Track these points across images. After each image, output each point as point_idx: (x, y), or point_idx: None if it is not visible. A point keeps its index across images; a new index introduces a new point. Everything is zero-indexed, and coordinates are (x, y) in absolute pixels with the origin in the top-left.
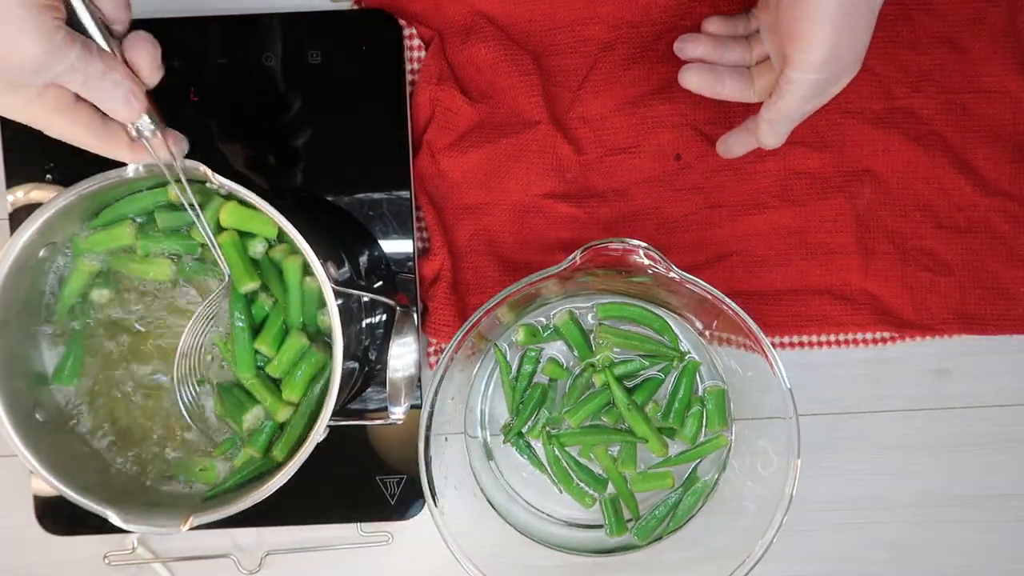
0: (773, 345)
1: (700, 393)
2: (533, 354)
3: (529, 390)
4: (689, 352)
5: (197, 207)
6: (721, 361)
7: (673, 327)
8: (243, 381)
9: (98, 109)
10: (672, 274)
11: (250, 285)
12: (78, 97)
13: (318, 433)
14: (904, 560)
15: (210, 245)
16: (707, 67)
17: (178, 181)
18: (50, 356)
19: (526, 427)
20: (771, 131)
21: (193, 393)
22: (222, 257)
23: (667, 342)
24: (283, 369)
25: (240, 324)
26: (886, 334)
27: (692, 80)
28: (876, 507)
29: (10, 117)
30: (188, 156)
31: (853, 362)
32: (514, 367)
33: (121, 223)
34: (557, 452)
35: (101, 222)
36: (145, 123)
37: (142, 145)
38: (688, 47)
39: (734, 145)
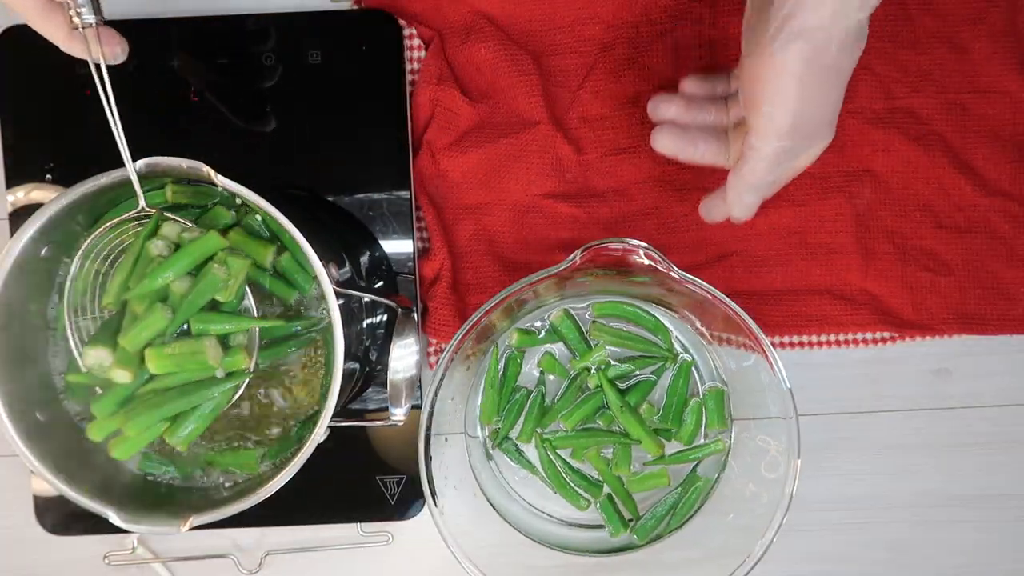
0: (773, 345)
1: (700, 395)
2: (518, 357)
3: (515, 394)
4: (681, 353)
5: (107, 81)
6: (721, 361)
7: (671, 328)
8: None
9: None
10: (673, 274)
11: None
12: None
13: (319, 434)
14: (904, 560)
15: (112, 124)
16: (679, 130)
17: (102, 79)
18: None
19: (514, 432)
20: (738, 201)
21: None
22: (133, 169)
23: (660, 342)
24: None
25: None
26: (886, 334)
27: (662, 144)
28: (876, 507)
29: None
30: (193, 156)
31: (853, 362)
32: (499, 368)
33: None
34: (550, 455)
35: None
36: (87, 11)
37: (80, 36)
38: (661, 108)
39: (712, 209)
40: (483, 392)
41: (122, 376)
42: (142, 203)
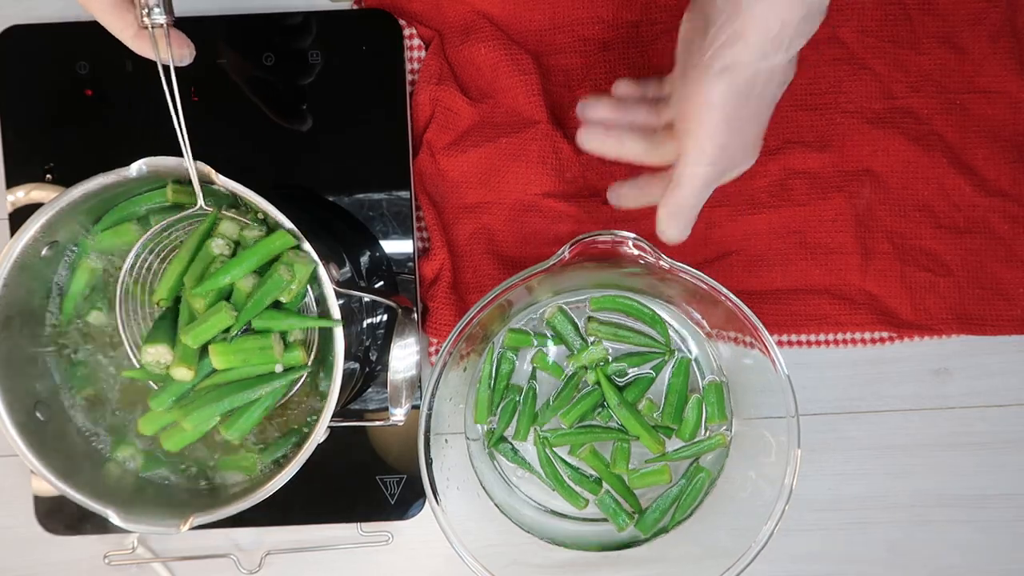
0: None
1: (700, 391)
2: (511, 355)
3: (507, 393)
4: (680, 348)
5: (173, 82)
6: (721, 356)
7: (669, 320)
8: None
9: None
10: (662, 263)
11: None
12: None
13: (319, 434)
14: (903, 560)
15: (179, 135)
16: (605, 128)
17: (169, 80)
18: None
19: (509, 431)
20: (672, 223)
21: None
22: (195, 173)
23: (658, 336)
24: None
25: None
26: (885, 334)
27: (590, 142)
28: (875, 507)
29: None
30: (193, 156)
31: (853, 362)
32: (492, 368)
33: (126, 223)
34: (548, 453)
35: (106, 224)
36: (159, 10)
37: (147, 35)
38: (589, 110)
39: (624, 196)
40: (476, 391)
41: (184, 373)
42: (200, 202)
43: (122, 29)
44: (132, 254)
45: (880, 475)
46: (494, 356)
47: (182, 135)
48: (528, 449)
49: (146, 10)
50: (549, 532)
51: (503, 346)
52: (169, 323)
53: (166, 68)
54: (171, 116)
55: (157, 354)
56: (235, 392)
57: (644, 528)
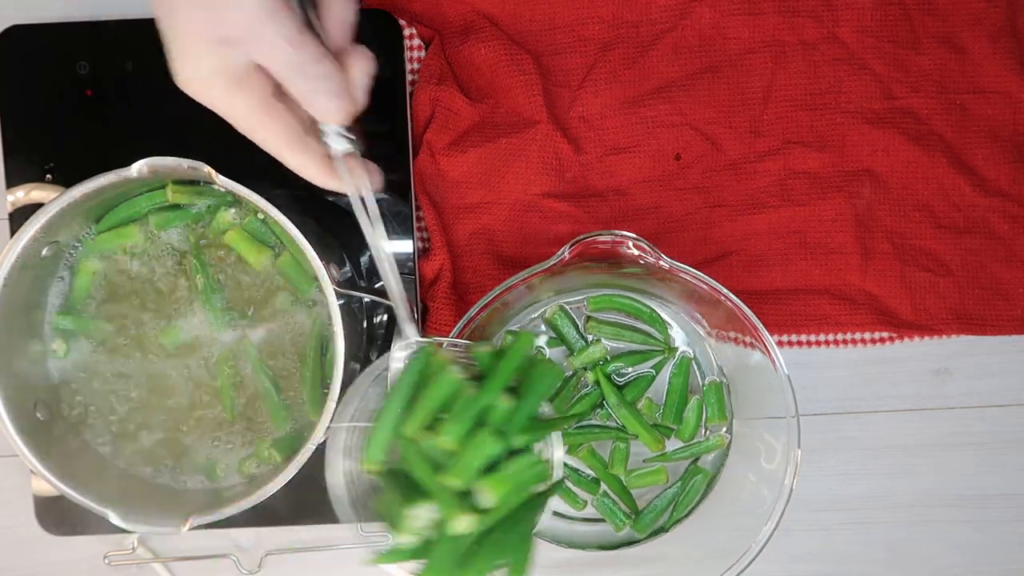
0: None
1: (701, 391)
2: None
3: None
4: (679, 348)
5: (378, 230)
6: (721, 356)
7: (669, 320)
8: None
9: (298, 117)
10: (662, 263)
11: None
12: (279, 93)
13: (319, 435)
14: (903, 560)
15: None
16: None
17: (367, 210)
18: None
19: None
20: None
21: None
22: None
23: (658, 334)
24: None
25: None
26: (885, 334)
27: None
28: (875, 507)
29: (209, 102)
30: (192, 156)
31: (853, 362)
32: None
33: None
34: None
35: (107, 225)
36: (344, 140)
37: (335, 167)
38: None
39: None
40: None
41: (466, 523)
42: (414, 336)
43: (308, 164)
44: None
45: (880, 475)
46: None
47: (391, 274)
48: None
49: (334, 146)
50: (548, 532)
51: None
52: (397, 478)
53: (362, 200)
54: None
55: (425, 514)
56: (513, 528)
57: (640, 528)
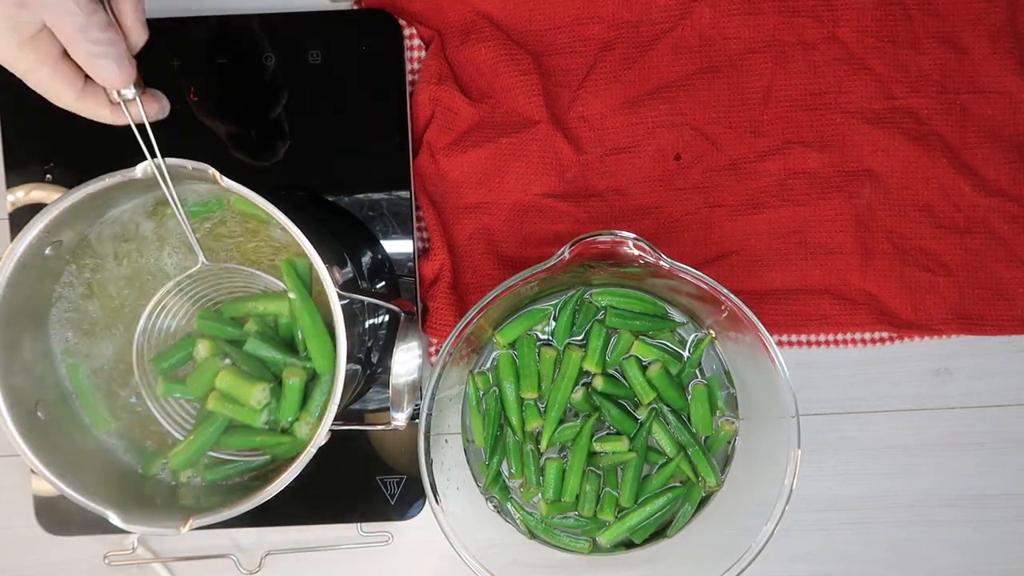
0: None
1: (692, 388)
2: (495, 390)
3: (498, 433)
4: (690, 332)
5: (170, 183)
6: (721, 356)
7: (672, 315)
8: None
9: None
10: (662, 263)
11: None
12: (64, 56)
13: (320, 437)
14: (903, 560)
15: (182, 223)
16: None
17: (150, 148)
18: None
19: (504, 471)
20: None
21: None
22: (195, 239)
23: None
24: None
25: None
26: (885, 334)
27: None
28: (876, 507)
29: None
30: (192, 156)
31: (853, 362)
32: (482, 405)
33: None
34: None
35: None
36: (129, 91)
37: (122, 109)
38: None
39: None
40: (470, 416)
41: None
42: (201, 259)
43: (96, 111)
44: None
45: (880, 475)
46: (476, 385)
47: (170, 193)
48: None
49: (118, 93)
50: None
51: (500, 348)
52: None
53: (142, 128)
54: (160, 180)
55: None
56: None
57: (638, 536)
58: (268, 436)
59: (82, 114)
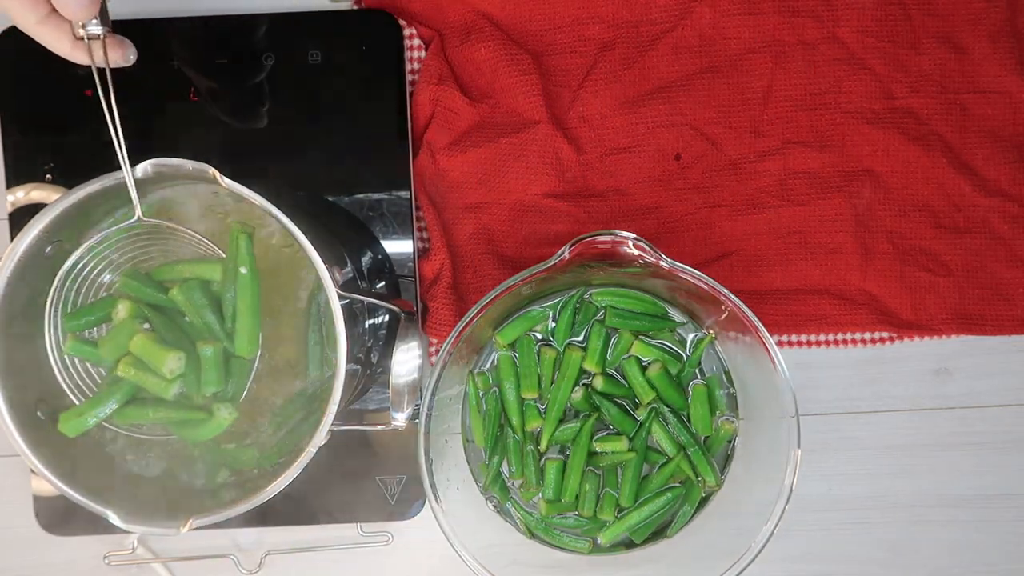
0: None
1: (692, 388)
2: (495, 391)
3: (499, 433)
4: (694, 332)
5: (111, 88)
6: (720, 356)
7: (672, 315)
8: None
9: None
10: (662, 263)
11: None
12: None
13: (320, 437)
14: (903, 560)
15: (123, 169)
16: None
17: (105, 85)
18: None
19: (504, 471)
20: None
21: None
22: (133, 185)
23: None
24: None
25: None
26: (885, 334)
27: None
28: (875, 507)
29: None
30: (192, 156)
31: (853, 362)
32: (482, 405)
33: None
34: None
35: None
36: (94, 23)
37: (84, 45)
38: None
39: None
40: (470, 416)
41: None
42: (138, 213)
43: (57, 45)
44: (69, 263)
45: (880, 475)
46: (476, 385)
47: (119, 141)
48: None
49: (83, 28)
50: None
51: (500, 349)
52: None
53: (101, 73)
54: (109, 126)
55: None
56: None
57: (638, 536)
58: (176, 411)
59: (41, 41)
